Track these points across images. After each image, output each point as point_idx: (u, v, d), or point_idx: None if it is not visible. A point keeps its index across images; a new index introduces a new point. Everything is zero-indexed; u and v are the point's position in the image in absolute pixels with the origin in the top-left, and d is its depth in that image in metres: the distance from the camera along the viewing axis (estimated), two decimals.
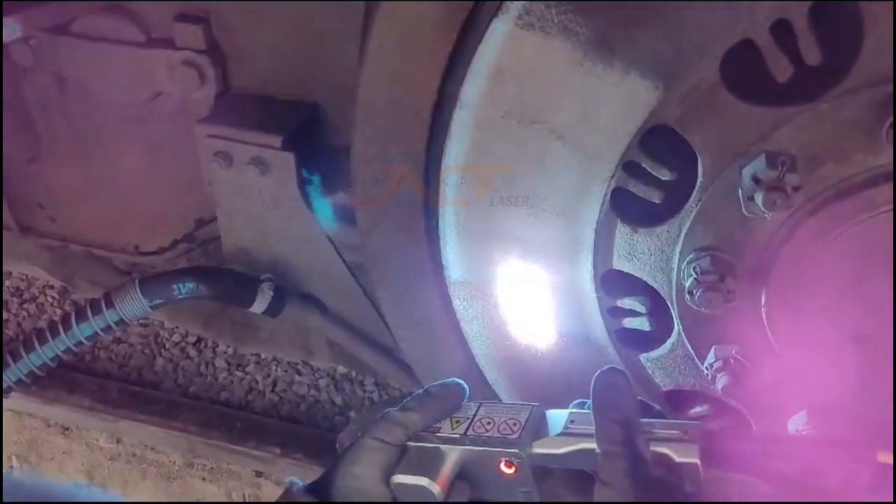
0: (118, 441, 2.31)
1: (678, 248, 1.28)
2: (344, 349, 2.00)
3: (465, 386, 1.08)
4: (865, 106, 1.07)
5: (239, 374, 2.70)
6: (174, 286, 1.63)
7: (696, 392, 1.46)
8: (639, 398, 1.02)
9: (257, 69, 1.77)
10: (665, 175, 1.25)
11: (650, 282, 1.35)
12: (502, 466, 0.99)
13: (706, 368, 1.36)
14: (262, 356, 2.74)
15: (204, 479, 2.21)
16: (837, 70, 1.07)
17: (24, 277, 2.97)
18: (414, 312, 1.58)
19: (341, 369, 2.61)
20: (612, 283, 1.40)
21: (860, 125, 1.08)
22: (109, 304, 1.62)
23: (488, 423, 1.02)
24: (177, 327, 2.84)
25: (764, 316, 1.28)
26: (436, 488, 0.99)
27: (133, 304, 1.62)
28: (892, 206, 1.12)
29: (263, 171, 1.68)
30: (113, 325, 1.63)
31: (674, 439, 0.94)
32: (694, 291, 1.25)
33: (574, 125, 1.24)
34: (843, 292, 1.22)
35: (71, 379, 2.38)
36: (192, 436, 2.19)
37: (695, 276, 1.24)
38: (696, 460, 0.93)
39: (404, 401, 1.06)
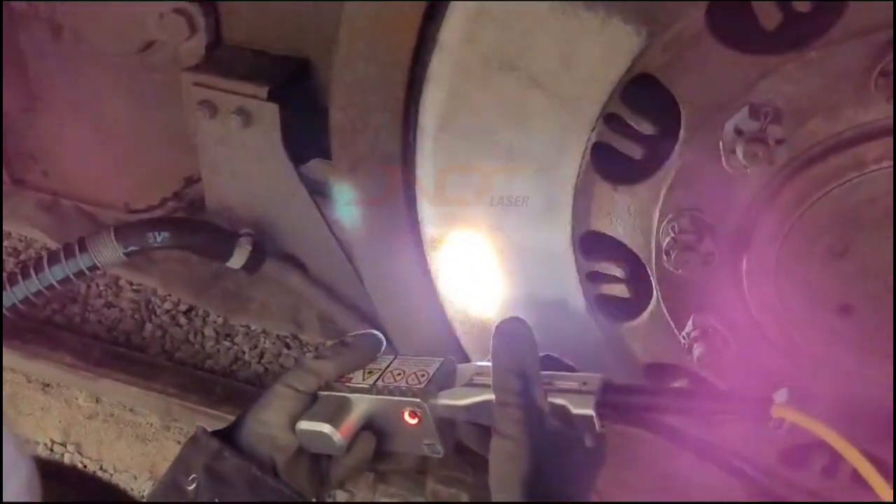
0: (97, 400, 2.29)
1: (658, 208, 1.23)
2: (335, 325, 1.97)
3: (382, 337, 1.08)
4: (855, 55, 1.01)
5: (226, 343, 2.67)
6: (149, 234, 1.60)
7: (675, 366, 1.41)
8: (550, 354, 0.99)
9: (249, 22, 1.74)
10: (647, 129, 1.20)
11: (629, 244, 1.30)
12: (406, 417, 0.99)
13: (683, 338, 1.31)
14: (252, 328, 2.71)
15: (179, 442, 2.18)
16: (827, 17, 1.02)
17: (23, 238, 2.97)
18: (391, 273, 1.54)
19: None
20: (591, 245, 1.35)
21: (849, 76, 1.03)
22: (83, 249, 1.59)
23: (398, 374, 1.02)
24: (169, 295, 2.82)
25: (745, 283, 1.22)
26: (337, 436, 0.99)
27: (107, 250, 1.59)
28: (881, 166, 1.06)
29: (247, 123, 1.64)
30: (85, 270, 1.60)
31: (572, 390, 0.92)
32: (670, 252, 1.20)
33: (554, 73, 1.19)
34: (829, 258, 1.16)
35: (55, 336, 2.36)
36: (171, 398, 2.16)
37: (672, 235, 1.19)
38: (591, 412, 0.90)
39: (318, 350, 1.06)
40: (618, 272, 1.36)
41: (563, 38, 1.15)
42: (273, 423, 1.02)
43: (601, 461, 0.98)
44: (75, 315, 2.67)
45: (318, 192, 1.74)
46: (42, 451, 2.22)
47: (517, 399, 0.91)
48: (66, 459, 2.22)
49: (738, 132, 1.07)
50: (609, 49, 1.14)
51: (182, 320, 2.78)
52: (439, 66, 1.24)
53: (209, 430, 1.04)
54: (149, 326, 2.72)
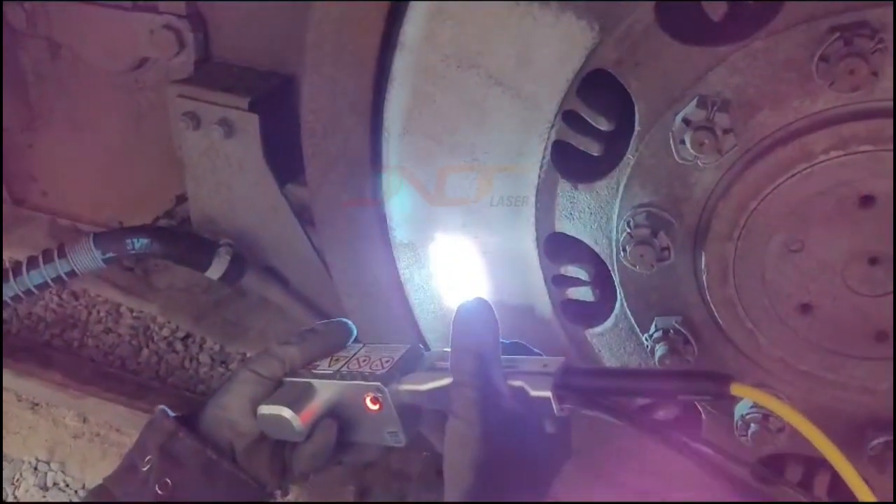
0: (84, 420, 2.29)
1: (617, 205, 1.23)
2: None
3: (352, 326, 1.05)
4: (798, 44, 1.02)
5: (221, 370, 2.67)
6: (128, 241, 1.62)
7: None
8: (519, 342, 0.96)
9: (236, 38, 1.80)
10: (604, 125, 1.21)
11: (592, 245, 1.30)
12: (368, 402, 0.96)
13: (646, 339, 1.30)
14: (248, 355, 2.71)
15: None
16: (771, 7, 1.03)
17: None
18: (361, 278, 1.54)
19: None
20: (556, 247, 1.35)
21: (794, 65, 1.03)
22: (62, 255, 1.61)
23: (364, 361, 1.00)
24: (168, 322, 2.84)
25: (705, 281, 1.21)
26: (297, 421, 0.96)
27: (85, 256, 1.61)
28: (830, 156, 1.06)
29: (229, 134, 1.68)
30: (64, 276, 1.63)
31: (531, 372, 0.89)
32: (626, 247, 1.19)
33: (512, 70, 1.21)
34: (786, 254, 1.15)
35: (46, 355, 2.38)
36: None
37: (628, 230, 1.19)
38: (548, 394, 0.87)
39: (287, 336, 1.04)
40: (582, 274, 1.35)
41: (520, 35, 1.17)
42: (233, 406, 1.00)
43: (565, 451, 0.93)
44: (74, 340, 2.69)
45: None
46: (27, 470, 2.22)
47: (472, 379, 0.86)
48: (50, 479, 2.22)
49: (687, 122, 1.08)
50: (564, 45, 1.16)
51: (179, 346, 2.78)
52: (401, 67, 1.27)
53: (170, 412, 1.03)
54: (145, 352, 2.73)
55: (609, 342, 1.38)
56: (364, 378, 0.96)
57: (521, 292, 1.41)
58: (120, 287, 2.55)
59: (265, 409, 0.98)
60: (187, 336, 2.82)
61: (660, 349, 1.26)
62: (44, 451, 2.26)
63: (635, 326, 1.32)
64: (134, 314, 2.87)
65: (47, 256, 1.63)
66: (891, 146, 1.03)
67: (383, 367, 0.97)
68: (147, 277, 2.55)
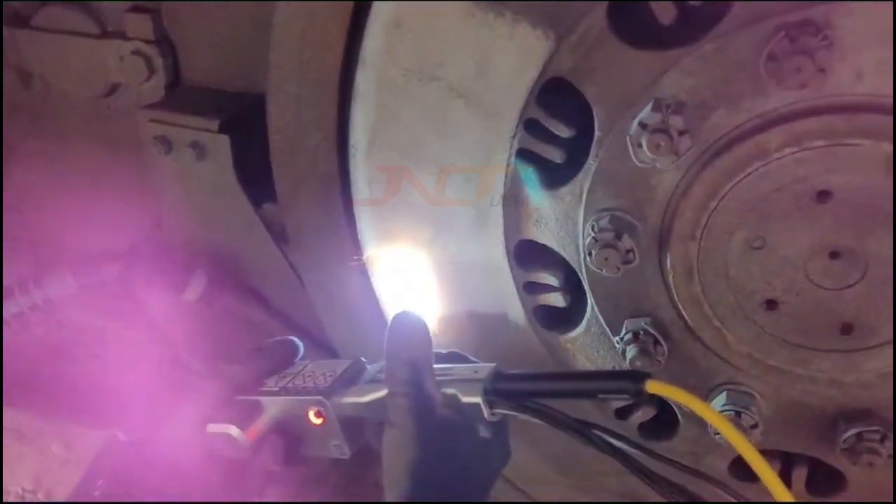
0: (69, 448, 2.28)
1: (581, 211, 1.24)
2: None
3: (299, 344, 1.08)
4: (747, 44, 1.04)
5: None
6: (102, 267, 1.62)
7: None
8: (456, 351, 0.99)
9: (206, 61, 1.80)
10: (564, 132, 1.22)
11: (559, 251, 1.31)
12: (312, 416, 0.99)
13: (617, 342, 1.31)
14: None
15: None
16: (719, 9, 1.05)
17: None
18: (336, 293, 1.55)
19: None
20: (525, 255, 1.36)
21: (744, 65, 1.05)
22: (37, 284, 1.62)
23: (309, 377, 1.03)
24: (155, 346, 2.84)
25: (671, 281, 1.22)
26: (243, 438, 0.98)
27: (61, 284, 1.62)
28: (784, 153, 1.08)
29: (201, 156, 1.68)
30: (40, 304, 1.63)
31: (463, 379, 0.91)
32: (591, 251, 1.21)
33: (472, 81, 1.22)
34: (748, 251, 1.16)
35: (32, 384, 2.37)
36: None
37: (593, 234, 1.21)
38: (478, 399, 0.90)
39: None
40: (553, 281, 1.37)
41: (478, 46, 1.19)
42: (181, 427, 1.01)
43: (503, 454, 0.96)
44: (59, 367, 2.69)
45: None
46: (13, 499, 2.21)
47: (405, 388, 0.90)
48: None
49: (643, 126, 1.10)
50: (521, 54, 1.18)
51: (165, 371, 2.78)
52: (364, 82, 1.28)
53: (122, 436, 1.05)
54: (132, 378, 2.73)
55: (582, 346, 1.39)
56: (307, 393, 0.99)
57: (494, 301, 1.42)
58: (106, 313, 2.55)
59: (212, 428, 1.00)
60: (174, 360, 2.82)
61: (630, 351, 1.27)
62: (30, 479, 2.26)
63: (607, 330, 1.33)
64: (120, 340, 2.87)
65: (22, 286, 1.63)
66: (844, 141, 1.05)
67: (326, 382, 1.00)
68: (133, 303, 2.56)
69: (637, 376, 0.82)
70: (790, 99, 1.05)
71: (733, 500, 0.89)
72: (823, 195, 1.09)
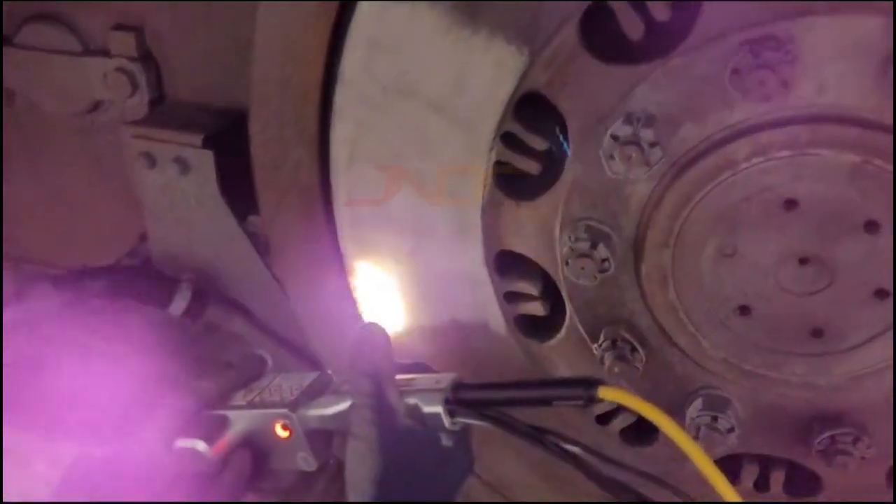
0: (55, 467, 2.28)
1: (558, 221, 1.27)
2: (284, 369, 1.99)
3: (267, 358, 1.10)
4: (712, 59, 1.07)
5: None
6: (86, 281, 1.64)
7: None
8: (420, 362, 1.01)
9: (190, 77, 1.82)
10: (540, 144, 1.25)
11: (538, 260, 1.34)
12: (278, 430, 1.01)
13: (596, 349, 1.33)
14: None
15: None
16: (685, 25, 1.08)
17: None
18: (319, 306, 1.57)
19: None
20: (505, 264, 1.39)
21: (710, 79, 1.08)
22: (20, 299, 1.62)
23: (276, 390, 1.05)
24: (140, 361, 2.84)
25: (646, 289, 1.25)
26: (210, 452, 1.00)
27: (45, 299, 1.63)
28: (751, 163, 1.11)
29: (184, 171, 1.70)
30: (24, 321, 1.64)
31: (424, 390, 0.94)
32: (568, 260, 1.24)
33: (449, 96, 1.25)
34: (720, 259, 1.19)
35: (17, 401, 2.37)
36: None
37: (569, 244, 1.23)
38: (438, 409, 0.92)
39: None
40: (532, 290, 1.39)
41: (454, 62, 1.22)
42: (149, 442, 1.03)
43: (465, 463, 0.99)
44: (44, 385, 2.68)
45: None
46: None
47: (368, 400, 0.92)
48: None
49: (615, 138, 1.13)
50: (497, 69, 1.20)
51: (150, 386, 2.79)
52: (344, 98, 1.31)
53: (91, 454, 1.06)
54: (117, 394, 2.73)
55: (563, 355, 1.42)
56: (273, 406, 1.02)
57: (475, 310, 1.44)
58: (90, 329, 2.55)
59: (181, 443, 1.02)
60: (159, 375, 2.82)
61: (608, 358, 1.30)
62: (16, 499, 2.25)
63: (585, 337, 1.36)
64: (104, 355, 2.87)
65: (5, 301, 1.64)
66: (808, 151, 1.08)
67: (293, 395, 1.02)
68: (117, 318, 2.56)
69: (589, 383, 0.85)
70: (755, 111, 1.08)
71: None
72: (790, 203, 1.12)
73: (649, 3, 1.08)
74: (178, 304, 1.74)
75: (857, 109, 1.06)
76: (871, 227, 1.11)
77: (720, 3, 1.05)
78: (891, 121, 1.05)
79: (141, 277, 1.74)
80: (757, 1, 1.03)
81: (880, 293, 1.16)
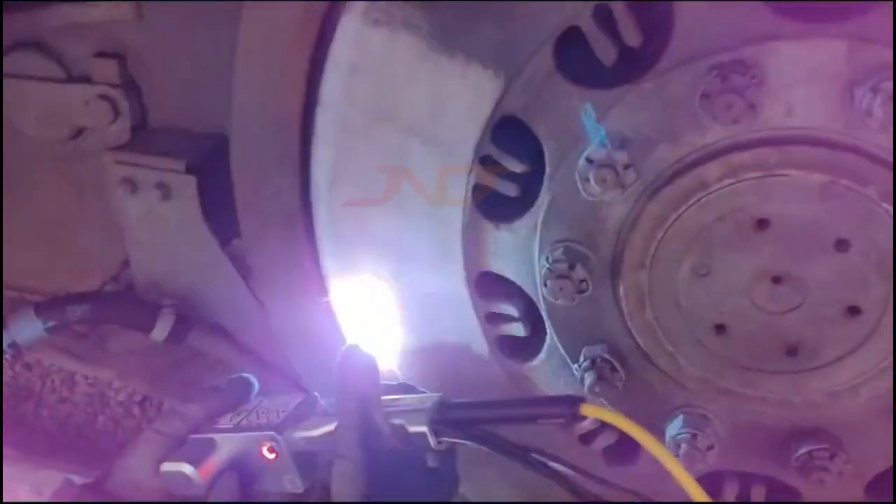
0: (39, 492, 2.27)
1: (537, 243, 1.28)
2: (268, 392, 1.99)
3: (254, 381, 1.11)
4: (683, 82, 1.09)
5: None
6: (69, 308, 1.64)
7: None
8: (406, 383, 1.03)
9: (172, 103, 1.84)
10: (517, 167, 1.27)
11: (517, 281, 1.36)
12: (265, 452, 1.02)
13: (576, 370, 1.35)
14: None
15: None
16: (657, 50, 1.11)
17: None
18: (302, 329, 1.58)
19: None
20: (486, 286, 1.40)
21: (682, 102, 1.11)
22: (3, 327, 1.63)
23: (262, 413, 1.05)
24: (125, 386, 2.83)
25: (624, 308, 1.27)
26: (197, 476, 1.01)
27: (27, 326, 1.63)
28: (723, 184, 1.13)
29: (167, 196, 1.71)
30: (6, 350, 1.64)
31: (410, 410, 0.95)
32: (546, 281, 1.25)
33: (427, 121, 1.27)
34: (696, 279, 1.21)
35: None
36: None
37: (547, 265, 1.25)
38: (423, 428, 0.94)
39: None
40: (513, 311, 1.40)
41: (432, 87, 1.24)
42: (138, 467, 1.04)
43: (452, 481, 1.00)
44: (28, 412, 2.67)
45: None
46: None
47: (353, 421, 0.94)
48: None
49: (590, 161, 1.15)
50: (474, 94, 1.23)
51: (136, 410, 2.77)
52: (324, 123, 1.33)
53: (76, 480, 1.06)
54: (101, 419, 2.72)
55: (544, 375, 1.43)
56: (260, 429, 1.03)
57: (457, 332, 1.46)
58: (74, 355, 2.54)
59: (167, 467, 1.03)
60: (144, 399, 2.81)
61: (588, 378, 1.31)
62: None
63: (566, 358, 1.37)
64: (89, 381, 2.86)
65: None
66: (777, 172, 1.11)
67: (279, 417, 1.04)
68: (102, 343, 2.55)
69: (572, 401, 0.86)
70: (725, 133, 1.10)
71: None
72: (762, 223, 1.14)
73: (621, 29, 1.10)
74: (162, 330, 1.75)
75: (824, 131, 1.08)
76: (842, 245, 1.13)
77: (689, 28, 1.07)
78: (857, 141, 1.08)
79: (124, 303, 1.74)
80: (724, 26, 1.06)
81: (852, 310, 1.18)
